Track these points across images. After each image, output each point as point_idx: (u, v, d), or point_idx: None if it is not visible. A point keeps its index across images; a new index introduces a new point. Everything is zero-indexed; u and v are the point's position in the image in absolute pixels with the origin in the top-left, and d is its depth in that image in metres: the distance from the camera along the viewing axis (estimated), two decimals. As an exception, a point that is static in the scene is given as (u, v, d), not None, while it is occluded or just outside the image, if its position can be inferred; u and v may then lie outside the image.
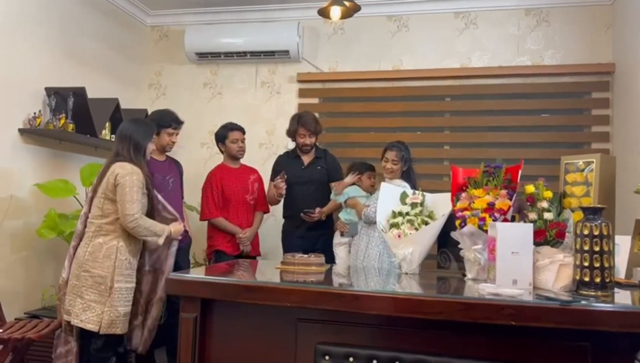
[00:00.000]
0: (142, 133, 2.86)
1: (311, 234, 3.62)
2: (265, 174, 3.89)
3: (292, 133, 3.72)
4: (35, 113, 3.54)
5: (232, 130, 3.81)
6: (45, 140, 3.72)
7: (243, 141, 3.82)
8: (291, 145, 4.04)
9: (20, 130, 3.51)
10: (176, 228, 2.90)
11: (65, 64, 3.95)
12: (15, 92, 3.49)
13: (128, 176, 2.69)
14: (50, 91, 3.64)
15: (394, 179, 3.20)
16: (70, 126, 3.59)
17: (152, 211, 2.86)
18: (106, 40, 4.44)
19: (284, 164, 3.74)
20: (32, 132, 3.53)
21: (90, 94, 3.74)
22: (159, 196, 2.94)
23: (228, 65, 4.81)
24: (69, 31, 4.00)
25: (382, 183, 2.72)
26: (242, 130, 3.84)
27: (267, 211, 3.93)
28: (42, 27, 3.72)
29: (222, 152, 3.88)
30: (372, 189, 3.46)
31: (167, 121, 3.39)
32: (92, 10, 4.26)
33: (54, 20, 3.84)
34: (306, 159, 3.75)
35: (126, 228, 2.69)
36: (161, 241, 2.79)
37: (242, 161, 3.90)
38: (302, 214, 3.58)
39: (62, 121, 3.56)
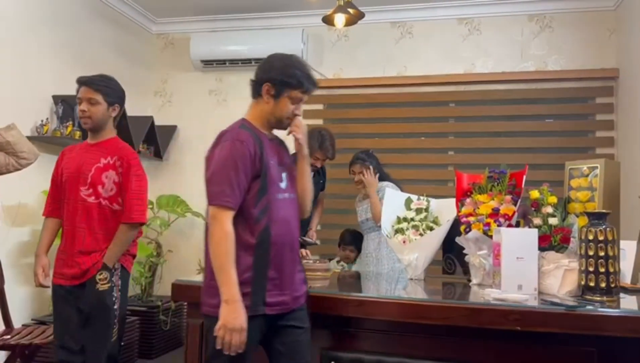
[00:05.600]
0: None
1: None
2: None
3: None
4: (42, 121, 3.58)
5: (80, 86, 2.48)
6: (53, 147, 3.73)
7: (89, 101, 2.44)
8: None
9: (28, 137, 3.54)
10: None
11: (72, 71, 3.97)
12: (24, 100, 3.52)
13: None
14: (58, 99, 3.68)
15: (369, 187, 3.19)
16: (78, 134, 3.62)
17: None
18: (113, 48, 4.47)
19: None
20: (40, 140, 3.55)
21: (97, 101, 3.77)
22: None
23: (233, 72, 4.84)
24: (77, 39, 4.04)
25: (387, 189, 2.73)
26: (86, 84, 2.45)
27: (140, 221, 2.45)
28: (50, 35, 3.76)
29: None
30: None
31: (297, 75, 1.87)
32: (99, 19, 4.30)
33: (62, 28, 3.87)
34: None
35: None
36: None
37: None
38: (302, 240, 3.39)
39: (70, 129, 3.59)
